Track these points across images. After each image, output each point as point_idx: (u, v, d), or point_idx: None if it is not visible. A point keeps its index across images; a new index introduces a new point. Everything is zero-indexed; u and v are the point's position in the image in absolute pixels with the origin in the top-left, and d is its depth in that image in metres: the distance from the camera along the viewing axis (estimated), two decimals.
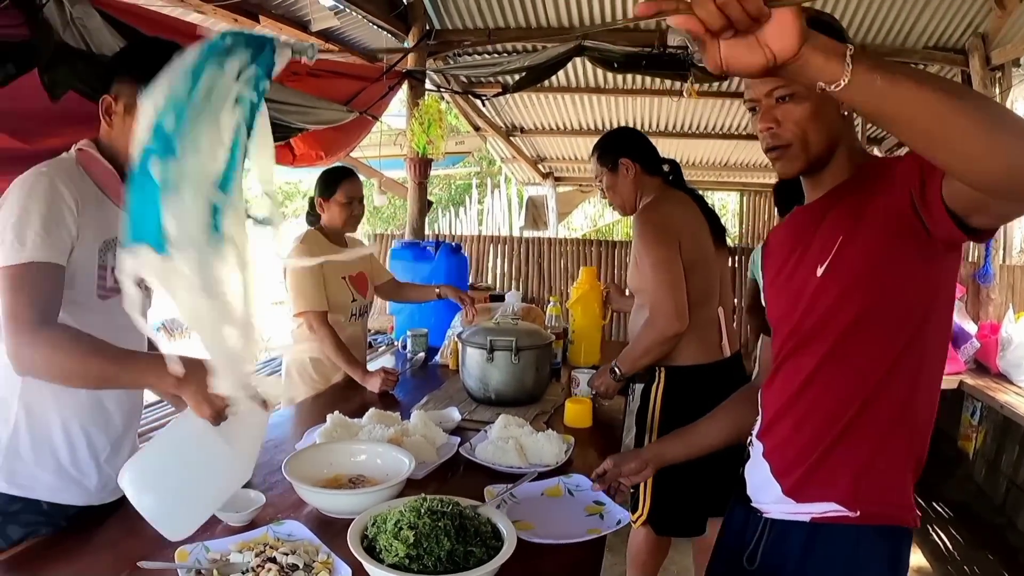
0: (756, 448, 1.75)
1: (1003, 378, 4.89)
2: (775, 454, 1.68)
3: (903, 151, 1.51)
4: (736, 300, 6.92)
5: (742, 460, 3.37)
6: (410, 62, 5.96)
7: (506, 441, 2.35)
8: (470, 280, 6.53)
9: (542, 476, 2.20)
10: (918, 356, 1.51)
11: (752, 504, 1.72)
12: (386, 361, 3.90)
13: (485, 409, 2.92)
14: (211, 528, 1.87)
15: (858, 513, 1.54)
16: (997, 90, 5.65)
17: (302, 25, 5.36)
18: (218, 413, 1.62)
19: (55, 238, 1.77)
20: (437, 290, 3.86)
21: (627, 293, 3.49)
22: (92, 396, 1.95)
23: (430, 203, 6.50)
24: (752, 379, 2.14)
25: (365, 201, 3.63)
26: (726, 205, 17.52)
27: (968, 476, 5.28)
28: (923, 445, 1.58)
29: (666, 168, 3.23)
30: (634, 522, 3.09)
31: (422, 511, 1.56)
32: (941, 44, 5.96)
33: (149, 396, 2.33)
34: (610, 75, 7.08)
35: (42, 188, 1.79)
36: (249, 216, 1.28)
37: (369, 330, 3.88)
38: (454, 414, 2.80)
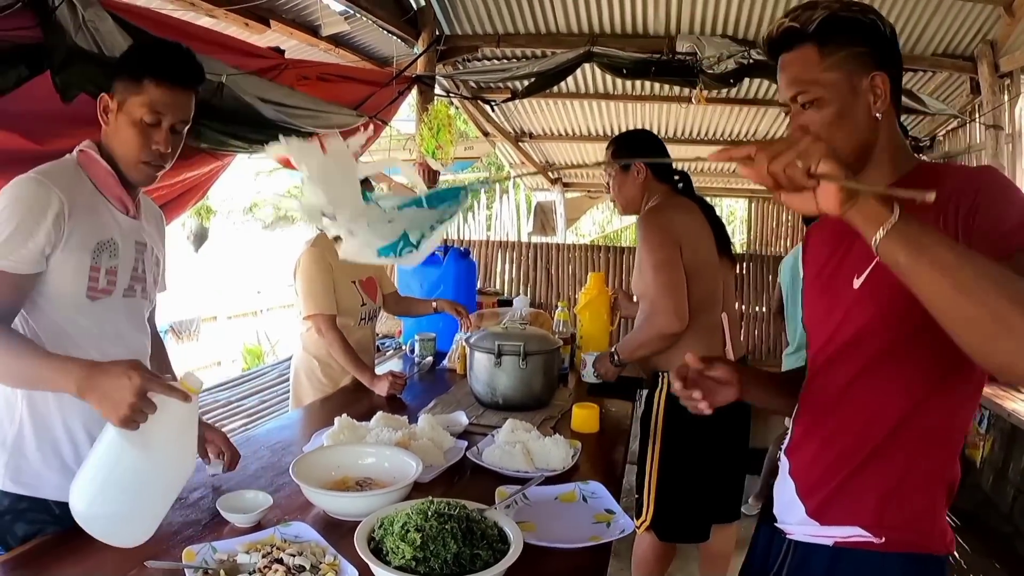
0: (784, 465, 1.69)
1: (1010, 386, 4.86)
2: (801, 473, 1.62)
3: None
4: (743, 307, 6.92)
5: (747, 468, 3.38)
6: (420, 67, 5.97)
7: (513, 445, 2.36)
8: (478, 285, 6.53)
9: (552, 480, 2.20)
10: (964, 378, 1.45)
11: (776, 524, 1.68)
12: (394, 365, 3.91)
13: (492, 414, 2.93)
14: (218, 529, 1.89)
15: (883, 539, 1.47)
16: (1006, 97, 5.64)
17: (312, 30, 5.37)
18: (126, 419, 1.51)
19: (21, 247, 1.78)
20: (434, 304, 3.89)
21: (635, 299, 3.49)
22: None
23: None
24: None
25: None
26: (734, 212, 17.48)
27: (976, 484, 5.25)
28: (956, 468, 1.52)
29: (676, 178, 3.25)
30: (638, 527, 3.09)
31: (429, 514, 1.57)
32: (950, 51, 5.93)
33: None
34: (619, 81, 7.08)
35: (25, 194, 1.82)
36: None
37: (377, 334, 3.89)
38: (461, 418, 2.80)
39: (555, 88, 6.63)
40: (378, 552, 1.55)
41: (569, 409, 2.96)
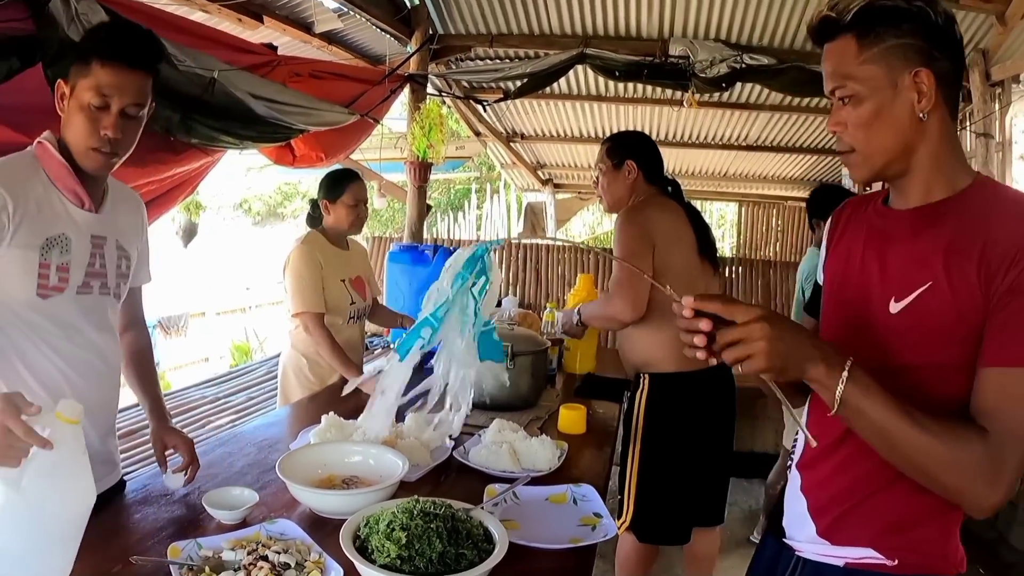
0: (795, 478, 1.62)
1: None
2: (813, 491, 1.56)
3: None
4: None
5: (729, 471, 3.38)
6: (412, 66, 5.98)
7: (500, 445, 2.35)
8: None
9: (542, 481, 2.21)
10: None
11: (785, 540, 1.62)
12: (382, 364, 3.90)
13: (479, 414, 2.91)
14: (204, 525, 1.88)
15: (896, 562, 1.42)
16: (997, 106, 5.66)
17: (305, 27, 5.38)
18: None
19: None
20: (400, 319, 3.93)
21: None
22: (51, 394, 1.87)
23: (429, 207, 6.51)
24: None
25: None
26: (725, 215, 17.52)
27: None
28: None
29: (669, 188, 3.26)
30: (619, 528, 3.10)
31: (415, 512, 1.57)
32: None
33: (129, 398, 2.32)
34: (611, 83, 7.10)
35: None
36: None
37: (366, 332, 3.88)
38: None
39: (547, 89, 6.66)
40: (363, 550, 1.55)
41: (556, 410, 2.95)
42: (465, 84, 7.30)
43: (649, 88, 7.03)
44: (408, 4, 5.89)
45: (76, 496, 1.46)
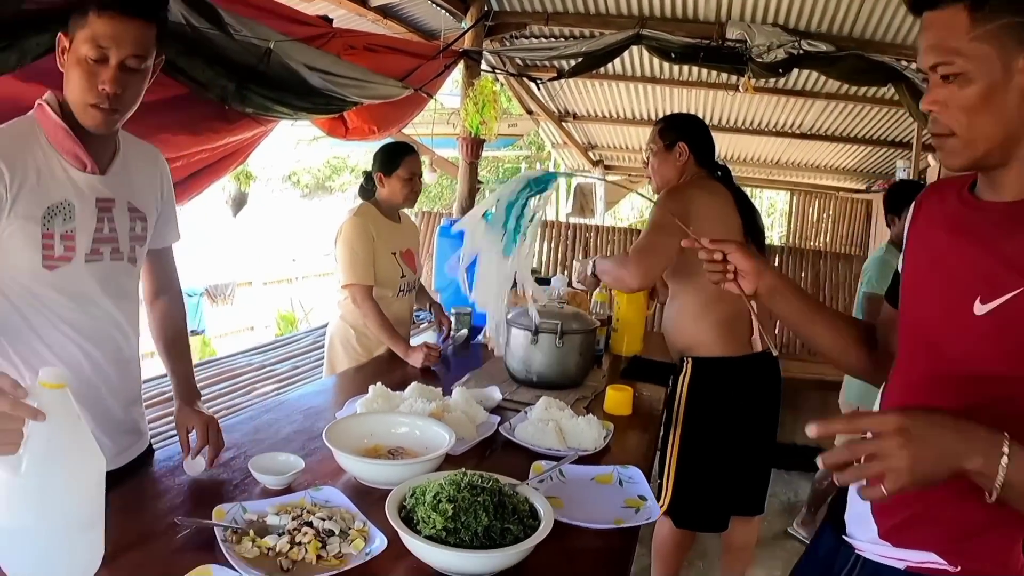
0: None
1: None
2: None
3: None
4: None
5: (771, 461, 3.33)
6: (467, 42, 5.95)
7: (546, 423, 2.34)
8: None
9: (587, 460, 2.20)
10: None
11: (845, 536, 1.55)
12: (428, 337, 3.91)
13: (526, 391, 2.91)
14: (248, 489, 1.90)
15: (959, 568, 1.36)
16: None
17: (362, 0, 5.37)
18: None
19: None
20: (429, 303, 4.00)
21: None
22: (71, 368, 1.77)
23: (480, 183, 6.50)
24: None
25: None
26: (775, 204, 17.32)
27: None
28: None
29: (718, 172, 3.22)
30: None
31: (462, 485, 1.56)
32: None
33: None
34: (666, 65, 7.02)
35: None
36: None
37: (414, 306, 3.90)
38: (495, 393, 2.79)
39: (601, 69, 6.60)
40: (408, 521, 1.55)
41: (602, 390, 2.94)
42: (519, 61, 7.25)
43: (704, 71, 6.95)
44: None
45: (83, 465, 1.38)
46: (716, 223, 2.97)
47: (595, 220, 12.01)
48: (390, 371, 3.13)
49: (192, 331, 12.57)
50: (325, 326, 3.85)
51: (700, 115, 8.52)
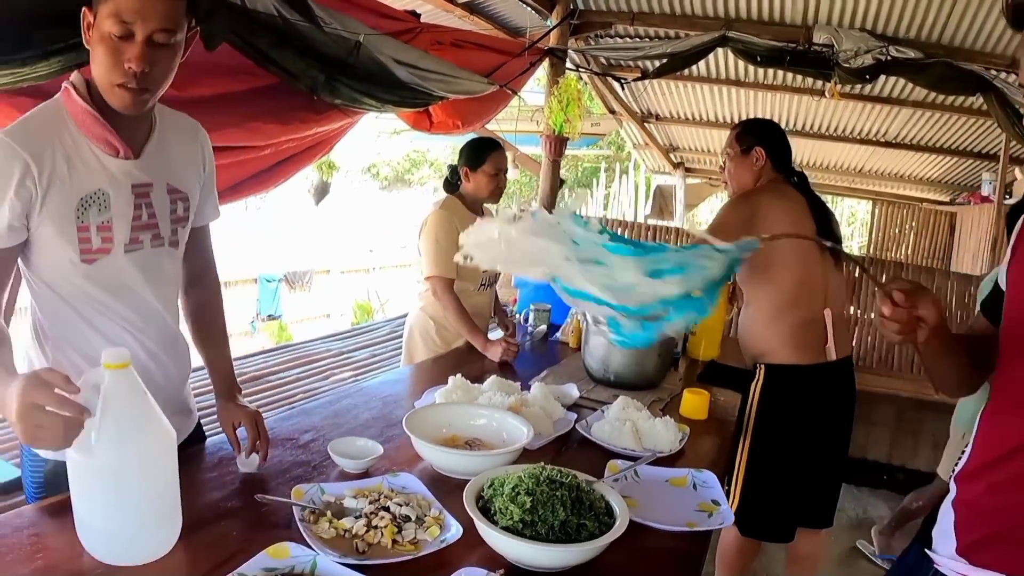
0: (952, 490, 1.53)
1: None
2: (963, 507, 1.47)
3: None
4: (857, 311, 6.70)
5: (842, 474, 3.27)
6: (552, 40, 5.95)
7: (623, 423, 2.34)
8: None
9: (662, 462, 2.18)
10: None
11: (928, 551, 1.53)
12: (493, 337, 3.94)
13: (603, 390, 2.91)
14: (327, 472, 1.93)
15: None
16: None
17: None
18: (30, 439, 1.28)
19: None
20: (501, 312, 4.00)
21: None
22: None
23: (562, 181, 6.49)
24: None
25: None
26: (855, 213, 16.97)
27: None
28: None
29: (795, 178, 3.18)
30: None
31: (541, 479, 1.57)
32: None
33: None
34: (750, 68, 6.93)
35: None
36: None
37: (494, 300, 3.92)
38: (572, 391, 2.80)
39: (685, 71, 6.53)
40: (486, 511, 1.56)
41: (679, 393, 2.92)
42: (603, 61, 7.22)
43: (788, 76, 6.83)
44: None
45: (153, 440, 1.41)
46: (786, 229, 2.93)
47: (674, 223, 11.91)
48: (468, 363, 3.15)
49: (270, 316, 12.90)
50: (403, 316, 3.89)
51: (783, 120, 8.47)
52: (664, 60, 5.88)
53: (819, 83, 5.95)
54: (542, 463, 1.66)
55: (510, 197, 18.93)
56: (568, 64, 6.22)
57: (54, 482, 1.73)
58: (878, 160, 9.98)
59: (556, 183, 6.18)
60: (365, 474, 1.92)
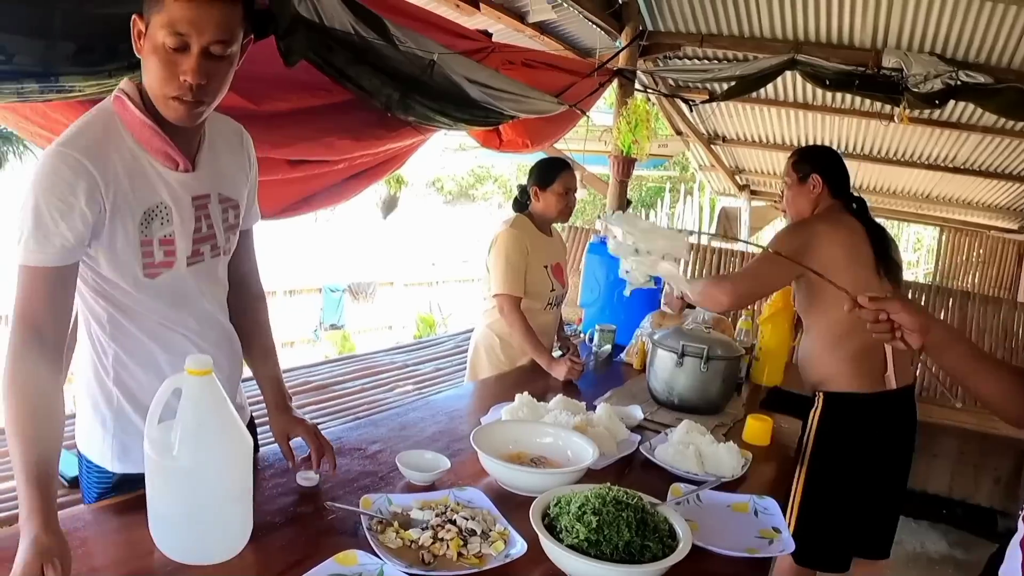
0: (1020, 529, 1.48)
1: None
2: None
3: None
4: None
5: (900, 506, 3.21)
6: (621, 60, 5.98)
7: (687, 446, 2.34)
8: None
9: (723, 488, 2.18)
10: None
11: None
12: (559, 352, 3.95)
13: (667, 412, 2.92)
14: (394, 483, 1.97)
15: None
16: None
17: (519, 16, 5.46)
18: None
19: (45, 238, 1.52)
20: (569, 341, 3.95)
21: None
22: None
23: (629, 201, 6.50)
24: None
25: None
26: (922, 239, 16.65)
27: None
28: None
29: (853, 204, 3.15)
30: None
31: (607, 499, 1.59)
32: None
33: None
34: (818, 91, 6.87)
35: (44, 175, 1.53)
36: None
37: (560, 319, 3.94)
38: (636, 412, 2.80)
39: (752, 93, 6.51)
40: (551, 529, 1.58)
41: (742, 419, 2.92)
42: (672, 82, 7.23)
43: (856, 100, 6.76)
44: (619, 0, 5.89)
45: (231, 445, 1.46)
46: (844, 257, 2.90)
47: (738, 246, 11.81)
48: (531, 382, 3.17)
49: (332, 325, 13.08)
50: (467, 332, 3.93)
51: (850, 144, 8.37)
52: (732, 83, 5.87)
53: (887, 107, 5.87)
54: (608, 483, 1.68)
55: (578, 216, 19.00)
56: (636, 85, 6.23)
57: (120, 490, 1.78)
58: (946, 186, 9.80)
59: (623, 203, 6.19)
60: (431, 487, 1.95)
